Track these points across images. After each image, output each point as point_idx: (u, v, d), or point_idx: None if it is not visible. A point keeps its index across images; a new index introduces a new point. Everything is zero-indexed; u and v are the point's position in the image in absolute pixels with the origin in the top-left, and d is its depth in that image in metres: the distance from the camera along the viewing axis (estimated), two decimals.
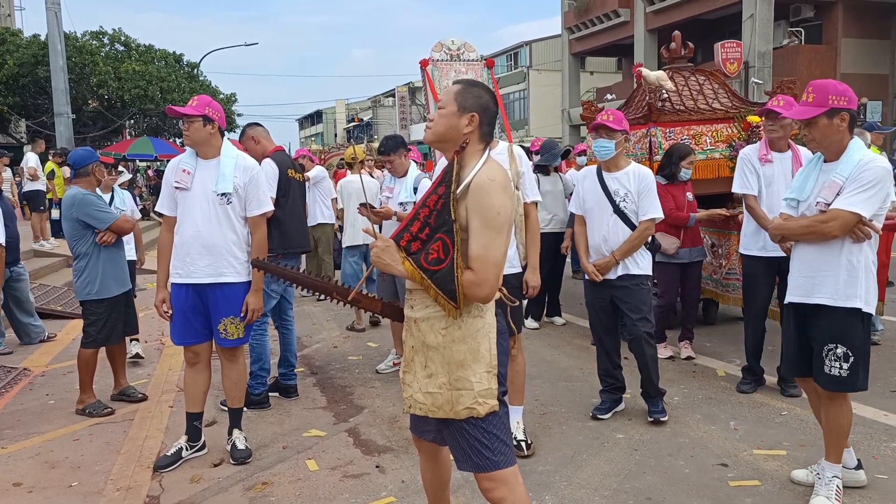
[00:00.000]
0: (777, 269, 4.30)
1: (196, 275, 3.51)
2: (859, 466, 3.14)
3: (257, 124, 4.70)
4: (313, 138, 62.15)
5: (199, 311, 3.57)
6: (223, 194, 3.50)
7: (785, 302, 3.10)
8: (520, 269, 3.62)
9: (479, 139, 2.26)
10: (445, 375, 2.25)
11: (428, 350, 2.28)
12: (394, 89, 47.37)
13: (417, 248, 2.23)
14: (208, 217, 3.49)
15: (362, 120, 53.36)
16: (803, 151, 4.26)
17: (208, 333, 3.63)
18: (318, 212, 7.83)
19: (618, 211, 3.91)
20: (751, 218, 4.31)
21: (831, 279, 2.86)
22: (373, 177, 8.62)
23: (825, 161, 2.94)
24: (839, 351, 2.85)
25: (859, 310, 2.85)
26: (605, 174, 3.98)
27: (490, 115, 2.28)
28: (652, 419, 3.95)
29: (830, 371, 2.88)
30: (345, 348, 6.04)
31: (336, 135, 59.29)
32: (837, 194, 2.81)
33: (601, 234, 3.96)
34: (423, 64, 9.73)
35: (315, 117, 71.48)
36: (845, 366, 2.85)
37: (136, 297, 5.31)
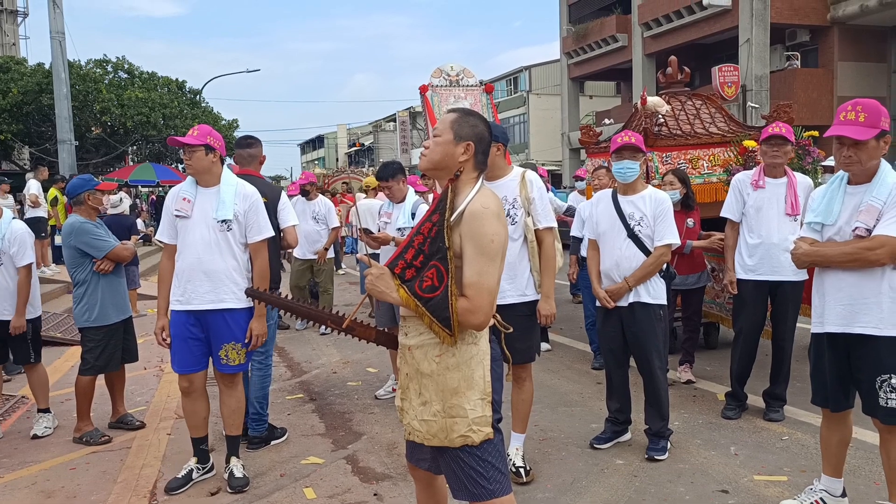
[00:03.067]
0: (768, 293, 4.29)
1: (196, 301, 3.52)
2: (844, 494, 3.10)
3: (239, 143, 4.45)
4: (316, 162, 62.52)
5: (199, 339, 3.58)
6: (223, 221, 3.53)
7: (820, 332, 2.93)
8: (534, 298, 3.55)
9: (474, 167, 2.29)
10: (440, 403, 2.25)
11: (422, 377, 2.28)
12: (395, 114, 47.75)
13: (412, 276, 2.25)
14: (209, 244, 3.52)
15: (363, 144, 53.69)
16: (799, 177, 4.28)
17: (207, 361, 3.63)
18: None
19: (632, 235, 3.80)
20: (741, 241, 4.32)
21: (874, 307, 2.74)
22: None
23: (850, 183, 2.83)
24: (894, 381, 2.74)
25: None
26: (620, 197, 3.88)
27: (485, 144, 2.30)
28: (647, 457, 3.82)
29: (888, 403, 2.75)
30: (344, 374, 6.02)
31: (338, 159, 59.61)
32: (878, 220, 2.69)
33: (613, 259, 3.85)
34: (423, 89, 9.83)
35: (317, 142, 71.93)
36: None
37: None
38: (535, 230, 3.52)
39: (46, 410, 4.64)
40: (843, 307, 2.82)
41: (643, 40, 25.69)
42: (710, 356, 5.94)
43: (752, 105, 19.34)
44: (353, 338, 2.51)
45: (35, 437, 4.48)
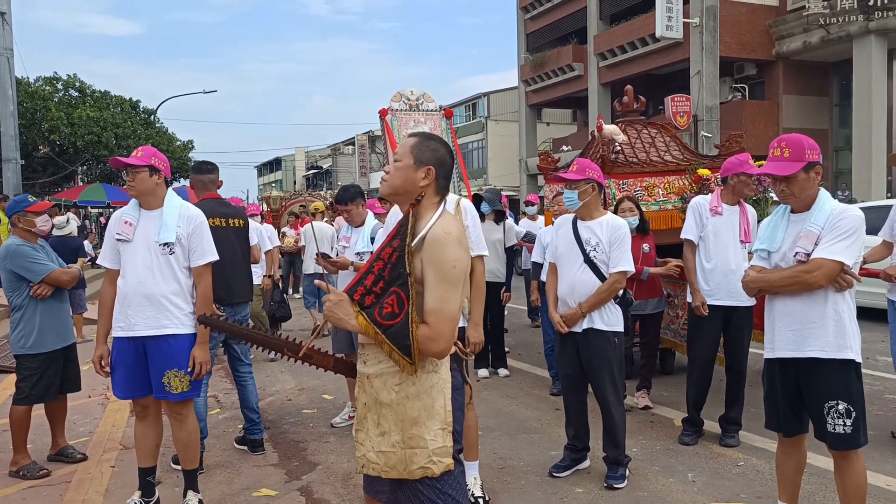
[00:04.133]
0: (723, 318, 4.35)
1: (138, 327, 3.40)
2: None
3: (196, 168, 4.42)
4: (273, 185, 61.88)
5: (141, 365, 3.44)
6: (165, 244, 3.42)
7: (771, 357, 2.99)
8: (462, 325, 3.53)
9: (435, 192, 2.26)
10: (399, 433, 2.19)
11: (381, 407, 2.22)
12: (353, 137, 47.70)
13: (371, 302, 2.19)
14: (150, 268, 3.40)
15: (321, 167, 53.45)
16: (747, 207, 4.40)
17: (151, 387, 3.48)
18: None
19: (588, 260, 3.82)
20: (697, 266, 4.38)
21: (820, 331, 2.81)
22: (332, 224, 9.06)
23: (793, 212, 2.94)
24: (840, 407, 2.79)
25: (852, 360, 2.82)
26: (579, 223, 3.92)
27: (446, 168, 2.28)
28: (606, 485, 3.80)
29: (835, 429, 2.80)
30: (299, 401, 5.87)
31: (295, 182, 59.14)
32: (816, 244, 2.79)
33: (569, 284, 3.87)
34: (383, 113, 9.82)
35: (274, 164, 71.31)
36: (848, 422, 2.79)
37: None
38: None
39: None
40: (791, 332, 2.89)
41: (598, 70, 26.32)
42: (667, 381, 5.98)
43: (706, 134, 19.93)
44: (311, 366, 2.44)
45: None
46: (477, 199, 6.73)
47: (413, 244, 2.16)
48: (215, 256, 3.59)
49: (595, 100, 26.54)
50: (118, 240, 3.45)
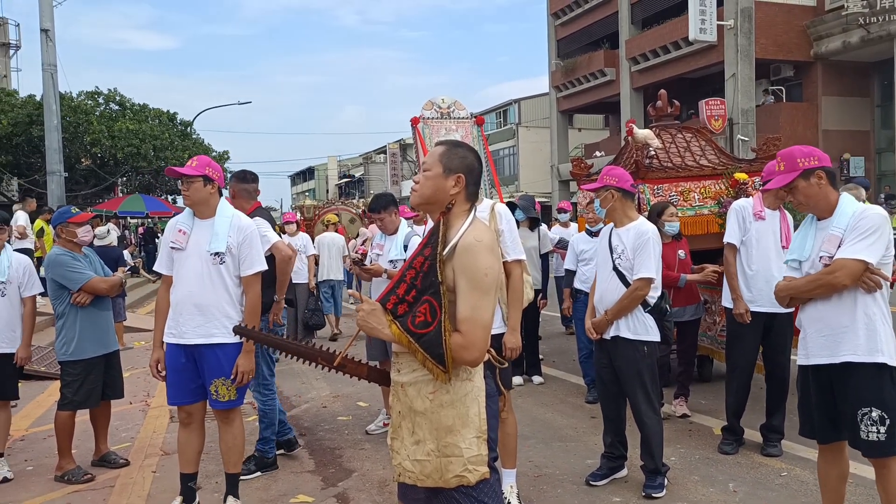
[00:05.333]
0: (764, 325, 4.27)
1: (188, 335, 3.48)
2: None
3: (241, 177, 4.51)
4: (306, 194, 62.59)
5: (191, 372, 3.53)
6: (216, 254, 3.49)
7: (805, 364, 2.99)
8: (501, 331, 3.53)
9: (466, 199, 2.26)
10: (434, 442, 2.19)
11: (415, 415, 2.22)
12: (385, 146, 48.03)
13: (404, 311, 2.20)
14: (201, 277, 3.48)
15: (354, 176, 53.91)
16: (787, 213, 4.33)
17: (202, 393, 3.57)
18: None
19: (615, 268, 3.81)
20: (738, 271, 4.30)
21: (851, 334, 2.81)
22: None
23: (818, 220, 2.96)
24: (874, 414, 2.77)
25: (885, 364, 2.79)
26: (613, 230, 3.92)
27: (475, 175, 2.28)
28: (644, 494, 3.75)
29: (868, 437, 2.79)
30: (334, 408, 5.91)
31: (328, 191, 59.73)
32: (839, 246, 2.81)
33: (600, 291, 3.88)
34: (414, 122, 9.85)
35: (307, 174, 72.13)
36: (882, 429, 2.76)
37: None
38: (503, 262, 3.51)
39: (0, 455, 4.39)
40: (824, 338, 2.89)
41: (631, 74, 26.09)
42: (705, 389, 5.88)
43: (742, 138, 19.60)
44: (345, 375, 2.46)
45: (5, 479, 4.30)
46: (510, 207, 6.71)
47: (444, 252, 2.17)
48: (264, 266, 3.66)
49: (627, 104, 26.32)
50: (172, 248, 3.54)
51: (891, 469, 2.81)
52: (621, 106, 26.84)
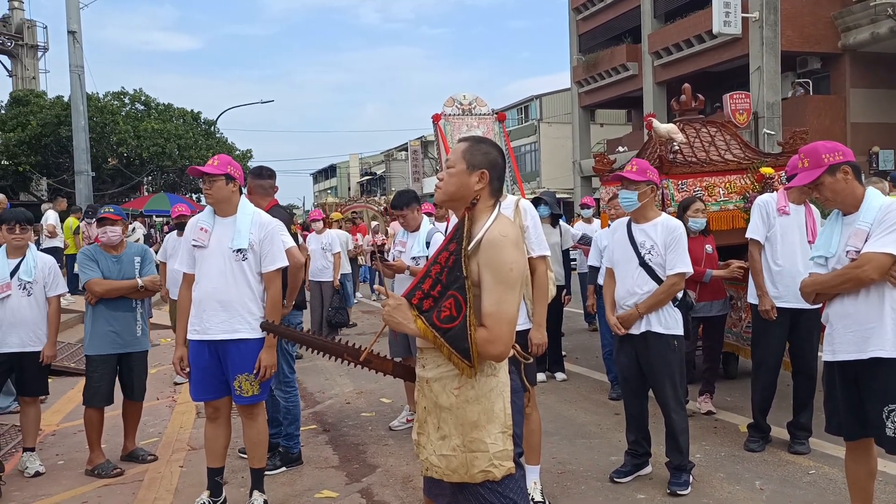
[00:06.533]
0: (790, 322, 4.21)
1: (212, 331, 3.52)
2: None
3: (257, 173, 4.48)
4: (329, 191, 62.95)
5: (215, 368, 3.57)
6: (239, 250, 3.53)
7: (831, 360, 2.96)
8: (527, 327, 3.54)
9: (490, 195, 2.26)
10: (459, 437, 2.20)
11: (441, 411, 2.23)
12: (406, 143, 48.09)
13: (429, 306, 2.21)
14: (224, 274, 3.52)
15: (375, 174, 54.09)
16: (813, 207, 4.26)
17: (226, 389, 3.61)
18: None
19: (643, 263, 3.77)
20: (763, 267, 4.25)
21: (878, 330, 2.78)
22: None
23: (844, 215, 2.94)
24: None
25: None
26: (633, 226, 3.88)
27: (499, 170, 2.28)
28: (669, 492, 3.73)
29: (895, 434, 2.76)
30: (358, 404, 5.95)
31: (350, 188, 59.99)
32: (866, 240, 2.79)
33: (626, 287, 3.83)
34: (436, 118, 9.89)
35: (329, 171, 72.50)
36: None
37: None
38: (528, 258, 3.50)
39: (32, 449, 4.46)
40: (852, 333, 2.85)
41: (653, 69, 25.81)
42: (731, 386, 5.82)
43: (768, 132, 19.30)
44: (371, 370, 2.47)
45: (38, 473, 4.37)
46: (535, 202, 6.70)
47: (469, 248, 2.17)
48: (285, 262, 3.70)
49: (650, 99, 26.04)
50: (194, 246, 3.58)
51: None
52: (644, 101, 26.56)
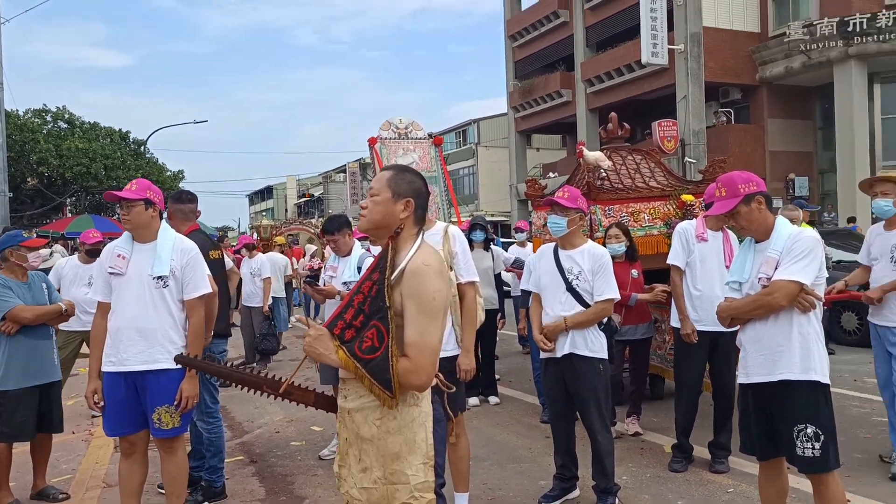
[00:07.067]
0: (710, 344, 4.36)
1: (129, 362, 3.37)
2: None
3: (177, 198, 4.36)
4: (264, 213, 61.88)
5: (132, 400, 3.41)
6: (159, 277, 3.42)
7: (745, 382, 3.08)
8: (455, 353, 3.55)
9: (414, 223, 2.27)
10: (380, 469, 2.18)
11: (362, 442, 2.20)
12: (345, 165, 47.82)
13: (351, 336, 2.19)
14: (143, 301, 3.40)
15: (313, 195, 53.54)
16: (731, 233, 4.44)
17: (144, 422, 3.45)
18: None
19: (570, 289, 3.84)
20: (684, 291, 4.40)
21: (787, 353, 2.91)
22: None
23: (756, 242, 3.08)
24: (809, 431, 2.86)
25: (819, 382, 2.90)
26: (560, 251, 3.94)
27: (423, 199, 2.29)
28: None
29: (804, 453, 2.88)
30: (287, 433, 5.81)
31: (287, 210, 59.14)
32: (776, 268, 2.92)
33: (553, 312, 3.88)
34: (372, 142, 9.88)
35: (265, 193, 71.38)
36: (817, 445, 2.85)
37: None
38: (457, 284, 3.55)
39: None
40: (763, 356, 2.99)
41: (586, 96, 26.59)
42: (657, 407, 5.96)
43: (690, 160, 20.09)
44: (291, 402, 2.42)
45: None
46: (472, 227, 6.77)
47: (392, 277, 2.17)
48: (209, 289, 3.59)
49: (583, 125, 26.78)
50: (111, 273, 3.43)
51: (827, 485, 2.90)
52: (577, 127, 27.30)
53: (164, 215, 3.74)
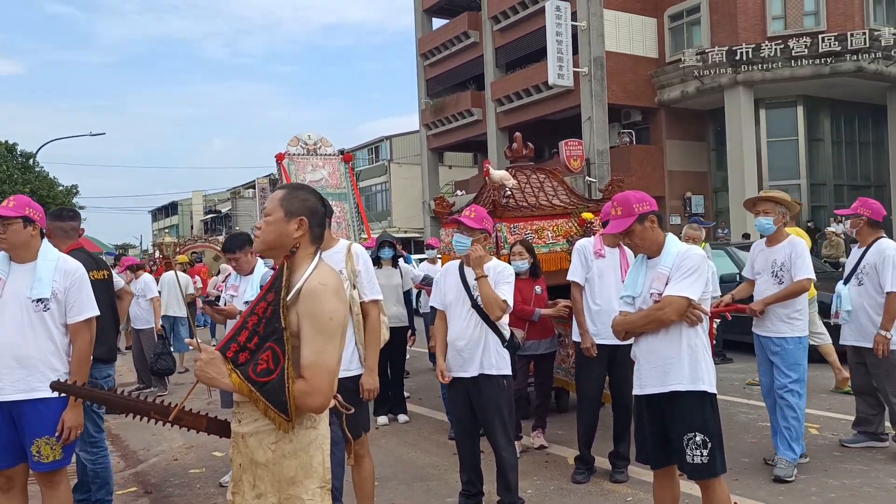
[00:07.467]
0: (608, 356, 4.51)
1: (6, 391, 3.14)
2: None
3: (57, 215, 4.14)
4: (166, 230, 59.44)
5: (8, 432, 3.18)
6: (39, 300, 3.20)
7: (640, 394, 3.21)
8: (359, 372, 3.53)
9: (310, 242, 2.24)
10: (275, 495, 2.13)
11: (257, 467, 2.15)
12: (254, 181, 46.72)
13: (245, 359, 2.13)
14: (21, 326, 3.18)
15: (220, 212, 51.94)
16: (627, 250, 4.62)
17: (21, 455, 3.22)
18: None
19: (476, 305, 3.88)
20: (584, 307, 4.54)
21: (677, 365, 3.05)
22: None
23: (648, 258, 3.22)
24: (698, 438, 3.00)
25: (706, 392, 3.05)
26: (465, 268, 3.98)
27: (319, 217, 2.27)
28: None
29: (693, 460, 3.01)
30: (186, 460, 5.56)
31: (192, 227, 57.07)
32: (667, 284, 3.07)
33: (459, 328, 3.91)
34: (279, 157, 9.71)
35: (170, 209, 68.69)
36: (705, 452, 3.00)
37: None
38: (360, 303, 3.54)
39: None
40: (654, 368, 3.13)
41: (496, 115, 27.18)
42: (562, 420, 6.10)
43: (590, 179, 20.89)
44: (182, 428, 2.32)
45: None
46: (381, 245, 6.74)
47: (288, 297, 2.13)
48: (95, 312, 3.39)
49: (494, 144, 27.32)
50: None
51: (714, 490, 3.05)
52: (488, 145, 27.84)
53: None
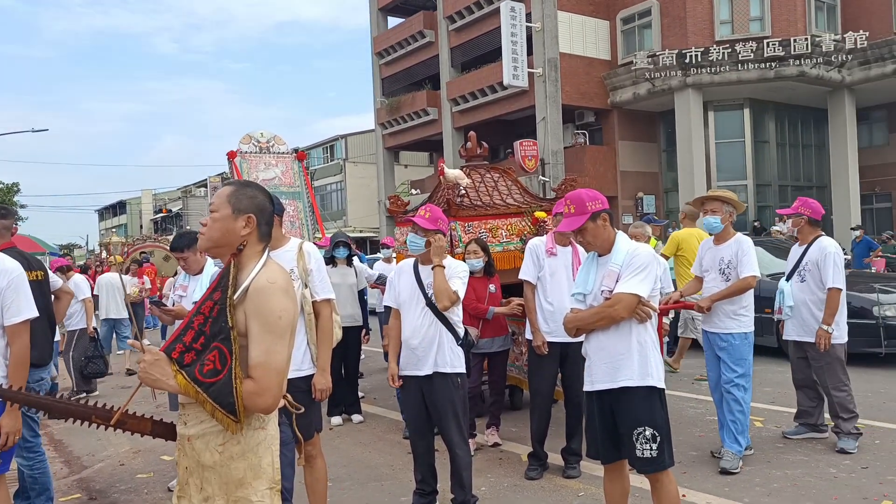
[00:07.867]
0: (560, 353, 4.57)
1: None
2: None
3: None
4: (113, 230, 57.80)
5: None
6: None
7: (590, 390, 3.25)
8: (311, 372, 3.49)
9: (258, 240, 2.20)
10: (223, 498, 2.09)
11: (203, 470, 2.10)
12: (206, 179, 45.81)
13: (191, 360, 2.09)
14: None
15: (171, 211, 50.76)
16: (580, 248, 4.68)
17: None
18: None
19: (430, 304, 3.88)
20: (537, 305, 4.58)
21: (627, 361, 3.10)
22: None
23: (599, 256, 3.27)
24: (647, 433, 3.06)
25: (655, 387, 3.11)
26: (420, 267, 3.99)
27: (267, 214, 2.23)
28: None
29: (643, 454, 3.06)
30: (133, 465, 5.41)
31: (142, 226, 55.64)
32: (617, 281, 3.11)
33: (413, 327, 3.90)
34: (231, 155, 9.54)
35: (118, 208, 66.83)
36: (654, 446, 3.05)
37: None
38: (312, 302, 3.51)
39: None
40: (605, 364, 3.17)
41: (452, 114, 27.22)
42: (516, 417, 6.15)
43: (543, 178, 21.13)
44: (125, 432, 2.26)
45: None
46: (335, 245, 6.68)
47: (236, 296, 2.09)
48: (33, 313, 3.26)
49: (449, 143, 27.36)
50: None
51: (662, 483, 3.12)
52: (444, 144, 27.87)
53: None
